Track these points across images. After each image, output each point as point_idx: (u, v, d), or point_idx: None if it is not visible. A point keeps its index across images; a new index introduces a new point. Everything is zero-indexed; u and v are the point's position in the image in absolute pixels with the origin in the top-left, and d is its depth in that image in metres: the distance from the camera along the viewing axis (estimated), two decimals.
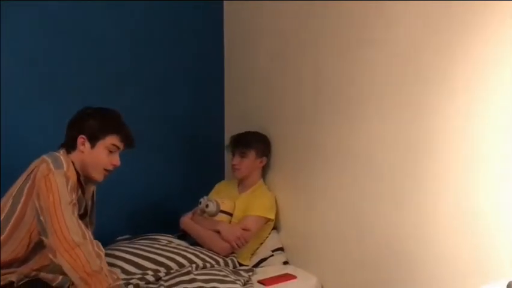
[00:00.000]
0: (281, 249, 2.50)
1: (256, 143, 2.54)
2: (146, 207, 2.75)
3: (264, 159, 2.57)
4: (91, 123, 1.84)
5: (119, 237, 2.44)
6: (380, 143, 2.01)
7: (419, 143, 1.86)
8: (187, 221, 2.50)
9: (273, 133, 2.59)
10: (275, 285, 2.17)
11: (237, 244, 2.34)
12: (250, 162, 2.52)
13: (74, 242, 1.60)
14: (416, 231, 1.88)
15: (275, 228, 2.55)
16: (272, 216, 2.47)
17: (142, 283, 2.03)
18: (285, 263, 2.45)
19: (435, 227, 1.81)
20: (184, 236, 2.49)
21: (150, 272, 2.10)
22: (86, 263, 1.60)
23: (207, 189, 2.70)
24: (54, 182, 1.65)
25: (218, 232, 2.38)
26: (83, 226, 1.68)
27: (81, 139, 1.83)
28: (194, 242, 2.41)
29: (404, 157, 1.92)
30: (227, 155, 2.95)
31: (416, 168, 1.88)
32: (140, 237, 2.40)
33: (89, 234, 1.68)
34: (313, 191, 2.35)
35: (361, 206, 2.10)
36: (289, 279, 2.23)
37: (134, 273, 2.07)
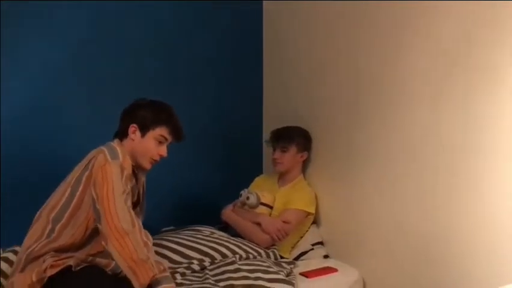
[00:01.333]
0: (321, 243, 2.52)
1: (298, 138, 2.56)
2: (188, 200, 2.81)
3: (305, 153, 2.59)
4: (143, 113, 1.90)
5: (164, 229, 2.51)
6: (422, 141, 2.01)
7: (462, 141, 1.86)
8: (228, 212, 2.54)
9: (312, 129, 2.61)
10: (317, 278, 2.19)
11: (277, 236, 2.37)
12: (291, 156, 2.55)
13: (123, 230, 1.64)
14: (457, 229, 1.89)
15: (315, 222, 2.57)
16: (312, 210, 2.49)
17: (188, 272, 2.09)
18: (326, 256, 2.47)
19: (477, 225, 1.81)
20: (225, 228, 2.54)
21: (195, 262, 2.15)
22: (134, 252, 1.64)
23: (246, 183, 2.74)
24: (110, 172, 1.70)
25: (259, 224, 2.42)
26: (133, 215, 1.72)
27: (132, 128, 1.89)
28: (235, 234, 2.45)
29: (445, 155, 1.92)
30: (265, 150, 2.99)
31: (458, 166, 1.88)
32: (184, 229, 2.45)
33: (138, 223, 1.73)
34: (354, 186, 2.36)
35: (403, 201, 2.11)
36: (331, 272, 2.25)
37: (181, 263, 2.12)
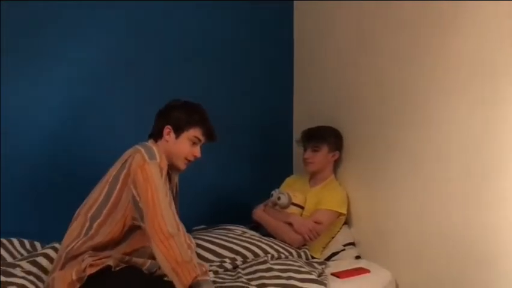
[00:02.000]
0: (352, 243, 2.51)
1: (329, 137, 2.55)
2: (219, 200, 2.84)
3: (337, 153, 2.58)
4: (177, 114, 1.93)
5: (195, 227, 2.54)
6: (456, 141, 1.99)
7: (496, 142, 1.83)
8: (259, 212, 2.56)
9: (344, 129, 2.60)
10: (349, 279, 2.18)
11: (309, 237, 2.37)
12: (322, 156, 2.54)
13: (169, 233, 1.66)
14: (492, 231, 1.86)
15: (346, 223, 2.56)
16: (344, 211, 2.48)
17: (220, 270, 2.11)
18: (357, 257, 2.46)
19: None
20: (256, 227, 2.55)
21: (228, 260, 2.17)
22: (179, 254, 1.65)
23: (276, 183, 2.75)
24: (150, 173, 1.73)
25: (290, 224, 2.42)
26: (177, 218, 1.75)
27: (167, 129, 1.92)
28: (266, 234, 2.46)
29: (479, 156, 1.89)
30: (295, 150, 2.99)
31: (492, 168, 1.85)
32: (215, 227, 2.48)
33: (182, 226, 1.76)
34: (386, 187, 2.34)
35: (438, 202, 2.08)
36: (363, 273, 2.23)
37: (213, 261, 2.15)
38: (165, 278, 1.75)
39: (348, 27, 2.56)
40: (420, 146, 2.15)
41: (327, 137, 2.55)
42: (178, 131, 1.92)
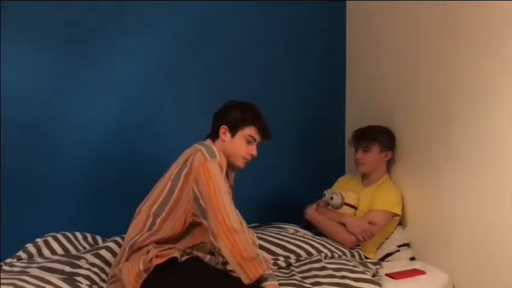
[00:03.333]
0: (407, 244, 2.47)
1: (380, 137, 2.51)
2: (271, 199, 2.87)
3: (389, 153, 2.55)
4: (232, 114, 1.98)
5: (248, 225, 2.56)
6: None
7: None
8: (312, 212, 2.56)
9: (398, 128, 2.56)
10: (404, 280, 2.15)
11: (362, 237, 2.35)
12: (374, 156, 2.52)
13: (233, 229, 1.71)
14: None
15: (400, 223, 2.52)
16: (399, 212, 2.45)
17: (274, 268, 2.13)
18: (412, 258, 2.42)
19: None
20: (307, 227, 2.55)
21: (281, 258, 2.20)
22: (244, 250, 1.71)
23: (328, 183, 2.75)
24: (212, 171, 1.78)
25: (343, 225, 2.41)
26: (240, 215, 1.80)
27: (223, 129, 1.97)
28: (318, 233, 2.46)
29: None
30: (347, 150, 2.97)
31: None
32: (268, 226, 2.51)
33: (245, 223, 1.80)
34: (443, 186, 2.28)
35: (498, 202, 2.01)
36: (419, 275, 2.19)
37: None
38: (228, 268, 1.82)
39: (400, 27, 2.53)
40: (479, 144, 2.09)
41: (378, 137, 2.51)
42: (233, 130, 1.97)
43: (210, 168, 1.78)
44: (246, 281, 1.71)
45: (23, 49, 2.32)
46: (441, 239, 2.30)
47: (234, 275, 1.77)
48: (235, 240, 1.71)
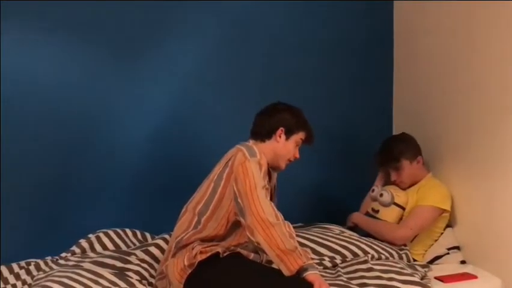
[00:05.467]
0: (457, 247, 2.40)
1: (402, 151, 2.46)
2: (315, 200, 2.86)
3: (420, 158, 2.49)
4: (287, 117, 2.03)
5: (293, 225, 2.56)
6: None
7: None
8: (358, 214, 2.56)
9: (446, 127, 2.50)
10: (454, 284, 2.09)
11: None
12: (407, 171, 2.46)
13: (269, 222, 1.74)
14: None
15: (450, 226, 2.45)
16: (447, 207, 2.37)
17: (320, 268, 2.12)
18: (462, 262, 2.35)
19: None
20: (352, 228, 2.52)
21: (327, 258, 2.19)
22: (281, 242, 1.73)
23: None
24: (250, 169, 1.83)
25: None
26: (275, 208, 1.82)
27: (280, 131, 2.02)
28: (364, 235, 2.43)
29: None
30: None
31: None
32: (313, 226, 2.50)
33: (281, 216, 1.81)
34: (495, 185, 2.20)
35: None
36: (470, 279, 2.13)
37: (312, 258, 2.16)
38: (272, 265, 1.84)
39: (449, 27, 2.46)
40: None
41: (401, 155, 2.44)
42: (289, 133, 2.03)
43: (248, 167, 1.83)
44: (286, 273, 1.73)
45: (85, 52, 2.40)
46: (493, 242, 2.22)
47: (275, 267, 1.79)
48: (272, 233, 1.73)
